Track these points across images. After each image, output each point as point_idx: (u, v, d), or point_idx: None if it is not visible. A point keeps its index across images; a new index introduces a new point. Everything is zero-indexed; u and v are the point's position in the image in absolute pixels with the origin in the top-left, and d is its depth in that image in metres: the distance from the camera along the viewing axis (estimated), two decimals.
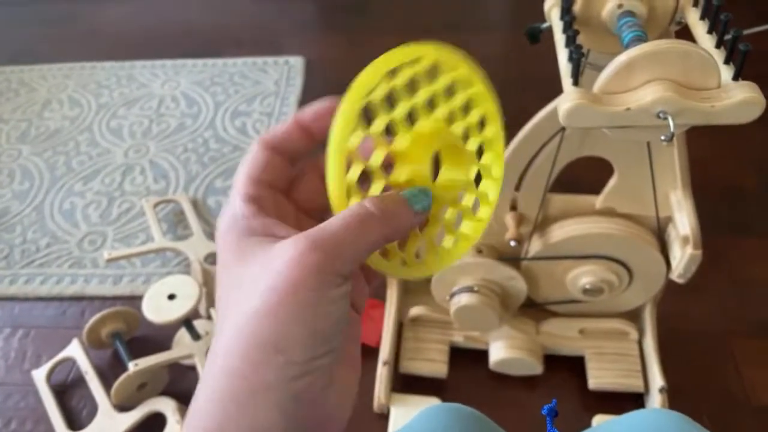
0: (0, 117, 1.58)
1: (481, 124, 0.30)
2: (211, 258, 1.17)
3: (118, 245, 1.24)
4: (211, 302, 1.05)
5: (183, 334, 1.05)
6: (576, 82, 0.51)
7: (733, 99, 0.46)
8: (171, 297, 0.96)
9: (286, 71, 1.64)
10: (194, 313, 1.00)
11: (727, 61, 0.49)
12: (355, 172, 0.25)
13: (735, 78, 0.48)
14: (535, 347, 0.97)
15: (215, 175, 1.37)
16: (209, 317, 1.06)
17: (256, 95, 1.57)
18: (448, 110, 0.28)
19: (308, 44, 1.78)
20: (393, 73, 0.27)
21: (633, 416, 0.51)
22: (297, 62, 1.67)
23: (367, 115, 0.26)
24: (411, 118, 0.28)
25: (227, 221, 0.25)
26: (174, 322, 0.94)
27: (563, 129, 0.76)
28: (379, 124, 0.26)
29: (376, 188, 0.26)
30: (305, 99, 1.57)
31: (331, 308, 0.22)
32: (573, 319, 0.97)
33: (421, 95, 0.27)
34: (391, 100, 0.27)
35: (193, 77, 1.65)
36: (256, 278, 0.22)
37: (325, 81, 1.64)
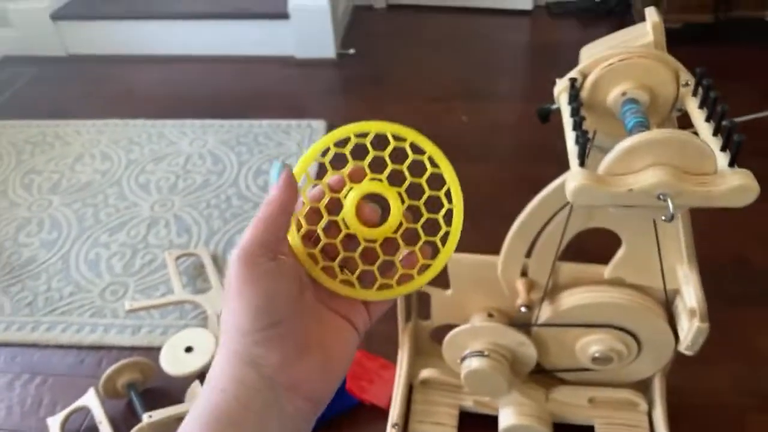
0: (34, 168, 1.66)
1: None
2: None
3: (139, 296, 1.28)
4: None
5: (196, 386, 1.07)
6: (582, 164, 0.55)
7: (728, 185, 0.50)
8: (188, 350, 0.98)
9: (309, 133, 1.72)
10: (209, 367, 1.02)
11: (723, 149, 0.53)
12: (304, 209, 0.34)
13: (731, 165, 0.52)
14: (544, 415, 0.97)
15: (236, 230, 1.42)
16: None
17: (278, 155, 1.64)
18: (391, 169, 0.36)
19: (330, 109, 1.86)
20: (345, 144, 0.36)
21: None
22: (319, 125, 1.74)
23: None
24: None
25: None
26: (190, 374, 0.96)
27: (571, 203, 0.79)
28: (327, 176, 0.36)
29: (321, 222, 0.34)
30: (320, 177, 1.63)
31: (261, 285, 0.29)
32: (582, 387, 0.98)
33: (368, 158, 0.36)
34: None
35: (220, 136, 1.73)
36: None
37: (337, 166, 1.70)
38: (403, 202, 0.35)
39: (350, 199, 0.34)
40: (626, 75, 0.61)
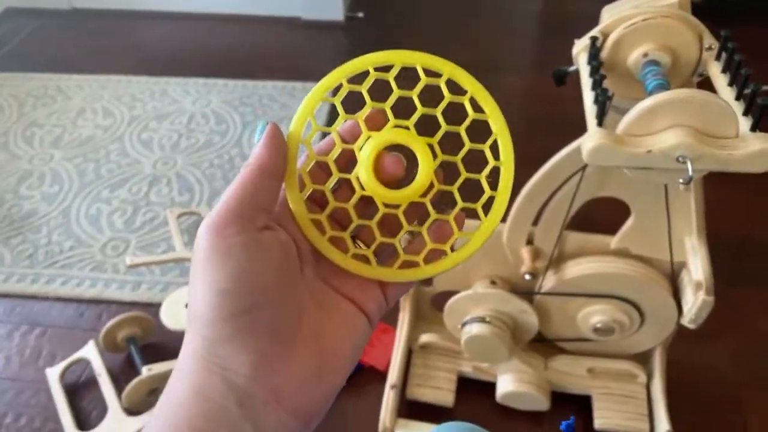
0: (35, 121, 1.64)
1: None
2: None
3: (140, 253, 1.27)
4: None
5: None
6: (600, 123, 0.53)
7: (749, 149, 0.49)
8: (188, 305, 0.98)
9: None
10: None
11: (745, 113, 0.52)
12: (308, 163, 0.28)
13: (753, 129, 0.50)
14: (542, 383, 0.97)
15: None
16: None
17: (283, 117, 1.62)
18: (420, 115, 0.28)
19: None
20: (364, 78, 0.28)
21: None
22: None
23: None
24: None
25: None
26: None
27: (584, 168, 0.78)
28: (337, 122, 0.28)
29: (330, 181, 0.28)
30: (330, 124, 1.61)
31: (228, 262, 0.22)
32: (582, 357, 0.98)
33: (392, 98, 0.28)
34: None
35: (224, 96, 1.71)
36: None
37: (351, 109, 1.68)
38: (435, 156, 0.27)
39: (367, 151, 0.27)
40: (648, 35, 0.59)
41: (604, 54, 0.62)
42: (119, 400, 0.98)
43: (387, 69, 0.28)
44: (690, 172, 0.49)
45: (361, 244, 0.28)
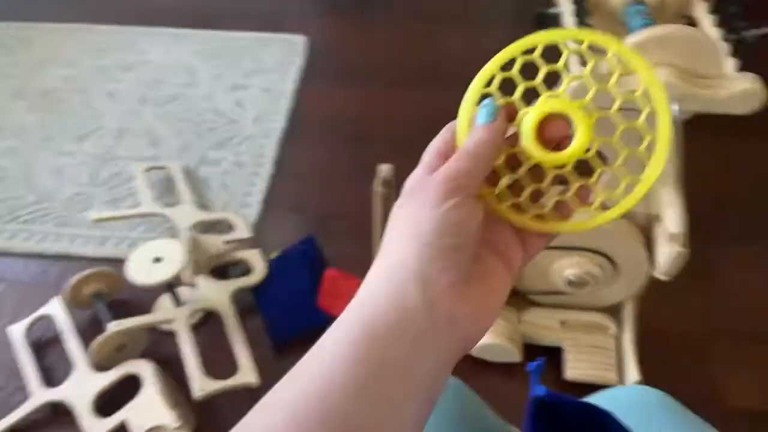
0: None
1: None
2: (199, 226, 1.17)
3: (106, 208, 1.23)
4: (197, 270, 1.04)
5: (165, 299, 1.05)
6: (584, 64, 0.51)
7: (735, 88, 0.47)
8: (157, 260, 0.95)
9: (288, 49, 1.63)
10: (178, 280, 0.99)
11: (732, 54, 0.50)
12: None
13: (741, 68, 0.49)
14: (515, 335, 0.98)
15: (209, 145, 1.36)
16: (193, 285, 1.05)
17: (256, 70, 1.56)
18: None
19: (312, 25, 1.77)
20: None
21: (615, 391, 0.52)
22: (299, 41, 1.66)
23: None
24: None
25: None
26: (158, 284, 0.93)
27: None
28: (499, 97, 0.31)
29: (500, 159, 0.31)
30: (305, 77, 1.56)
31: (459, 209, 0.28)
32: (554, 310, 0.98)
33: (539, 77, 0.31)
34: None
35: (194, 48, 1.64)
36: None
37: (327, 62, 1.63)
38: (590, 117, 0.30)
39: (528, 124, 0.30)
40: None
41: None
42: (86, 357, 0.96)
43: (531, 51, 0.31)
44: (676, 113, 0.48)
45: (535, 206, 0.31)
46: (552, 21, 0.64)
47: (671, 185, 0.80)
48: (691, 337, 1.06)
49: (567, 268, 0.90)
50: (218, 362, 0.99)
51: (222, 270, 1.11)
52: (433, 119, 1.64)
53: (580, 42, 0.30)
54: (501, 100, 0.31)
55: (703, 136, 0.52)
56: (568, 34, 0.30)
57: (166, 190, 1.27)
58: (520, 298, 0.99)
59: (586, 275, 0.90)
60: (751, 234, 1.22)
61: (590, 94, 0.30)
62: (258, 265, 1.08)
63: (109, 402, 0.92)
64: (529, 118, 0.30)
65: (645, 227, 0.86)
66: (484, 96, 0.31)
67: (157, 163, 1.30)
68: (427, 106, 1.49)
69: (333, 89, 1.54)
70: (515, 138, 0.31)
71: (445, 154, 0.30)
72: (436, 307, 0.27)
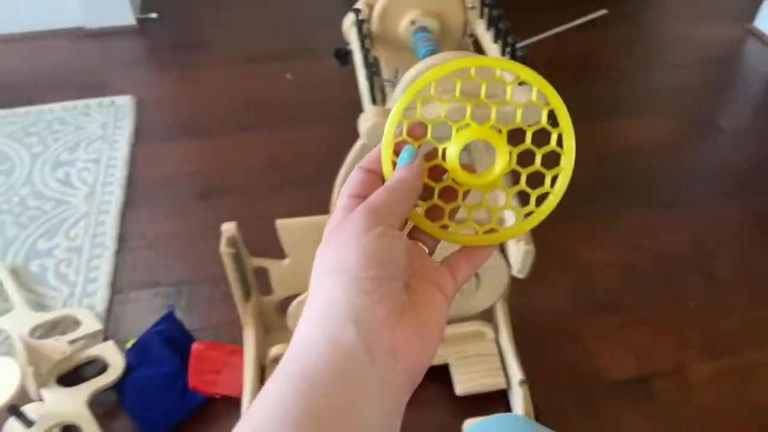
0: None
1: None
2: (38, 331, 1.03)
3: None
4: (40, 383, 0.92)
5: (13, 424, 0.91)
6: (374, 101, 0.50)
7: (519, 102, 0.48)
8: None
9: (113, 112, 1.52)
10: (21, 398, 0.87)
11: None
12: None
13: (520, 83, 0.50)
14: None
15: (37, 235, 1.22)
16: (41, 399, 0.93)
17: (79, 142, 1.44)
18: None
19: (136, 83, 1.67)
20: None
21: (477, 427, 0.51)
22: (124, 101, 1.55)
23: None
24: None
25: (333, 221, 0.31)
26: None
27: None
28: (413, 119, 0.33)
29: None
30: (139, 140, 1.46)
31: (383, 240, 0.28)
32: None
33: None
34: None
35: (3, 129, 1.47)
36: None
37: (160, 119, 1.54)
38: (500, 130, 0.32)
39: (451, 156, 0.32)
40: (411, 2, 0.57)
41: (373, 26, 0.59)
42: None
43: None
44: None
45: (449, 222, 0.33)
46: (347, 55, 0.63)
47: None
48: (560, 319, 1.11)
49: None
50: None
51: (77, 373, 0.99)
52: (278, 160, 1.61)
53: (468, 68, 0.33)
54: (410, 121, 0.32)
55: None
56: (455, 64, 0.32)
57: None
58: None
59: None
60: (588, 212, 1.30)
61: (492, 113, 0.32)
62: (114, 359, 0.98)
63: None
64: (451, 152, 0.32)
65: None
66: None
67: None
68: (266, 147, 1.46)
69: (167, 147, 1.46)
70: (438, 170, 0.33)
71: (361, 195, 0.31)
72: (374, 342, 0.27)
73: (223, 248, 0.87)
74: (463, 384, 0.96)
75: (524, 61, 0.49)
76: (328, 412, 0.24)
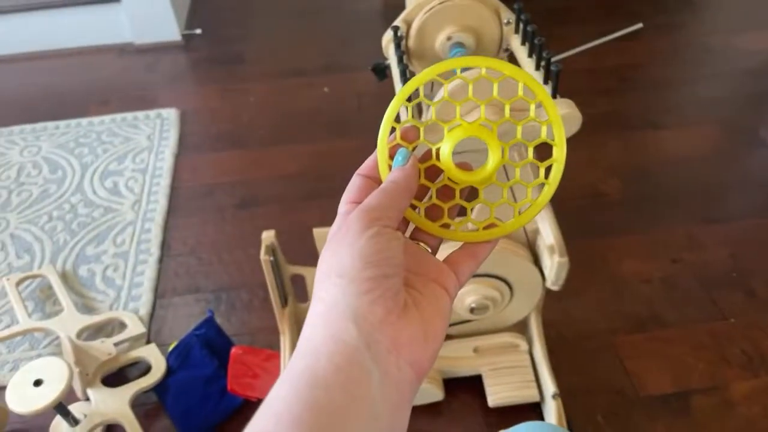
0: None
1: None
2: (85, 332, 1.08)
3: None
4: (86, 382, 0.96)
5: (60, 420, 0.96)
6: (412, 114, 0.52)
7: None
8: (37, 383, 0.87)
9: (159, 125, 1.58)
10: (68, 397, 0.91)
11: (545, 81, 0.53)
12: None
13: (553, 95, 0.51)
14: (434, 373, 0.97)
15: (86, 242, 1.28)
16: (87, 399, 0.97)
17: (127, 152, 1.50)
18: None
19: (181, 96, 1.73)
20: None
21: None
22: (170, 114, 1.61)
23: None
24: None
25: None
26: (42, 411, 0.85)
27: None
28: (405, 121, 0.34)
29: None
30: (182, 150, 1.52)
31: (377, 241, 0.28)
32: (465, 339, 0.99)
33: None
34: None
35: (56, 140, 1.55)
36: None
37: (202, 131, 1.60)
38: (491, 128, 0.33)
39: (445, 155, 0.33)
40: (448, 18, 0.59)
41: (411, 43, 0.61)
42: None
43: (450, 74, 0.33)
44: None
45: (449, 219, 0.33)
46: (385, 70, 0.65)
47: None
48: (596, 334, 1.09)
49: (466, 296, 0.91)
50: None
51: (121, 374, 1.03)
52: (314, 171, 1.65)
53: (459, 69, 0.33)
54: (407, 124, 0.33)
55: (571, 141, 0.53)
56: (441, 67, 0.32)
57: (45, 300, 1.17)
58: None
59: (485, 300, 0.91)
60: (626, 224, 1.29)
61: (482, 111, 0.33)
62: (156, 361, 1.01)
63: None
64: (444, 150, 0.33)
65: (528, 244, 0.89)
66: (396, 128, 0.33)
67: (30, 272, 1.20)
68: (303, 159, 1.49)
69: (209, 157, 1.51)
70: (435, 170, 0.34)
71: (359, 201, 0.31)
72: (376, 338, 0.27)
73: (263, 255, 0.89)
74: (496, 395, 0.96)
75: (558, 75, 0.50)
76: (329, 406, 0.25)
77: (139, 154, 1.49)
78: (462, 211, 0.34)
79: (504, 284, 0.91)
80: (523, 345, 0.99)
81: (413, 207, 0.33)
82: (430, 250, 0.34)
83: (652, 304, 1.14)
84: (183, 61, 1.94)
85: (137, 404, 0.97)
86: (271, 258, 0.91)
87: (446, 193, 0.33)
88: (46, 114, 1.65)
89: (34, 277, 1.19)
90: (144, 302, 1.15)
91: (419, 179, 0.32)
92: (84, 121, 1.60)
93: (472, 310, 0.92)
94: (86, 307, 1.15)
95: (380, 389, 0.27)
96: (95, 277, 1.21)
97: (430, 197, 0.33)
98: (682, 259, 1.21)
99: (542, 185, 0.33)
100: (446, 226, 0.33)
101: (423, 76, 0.32)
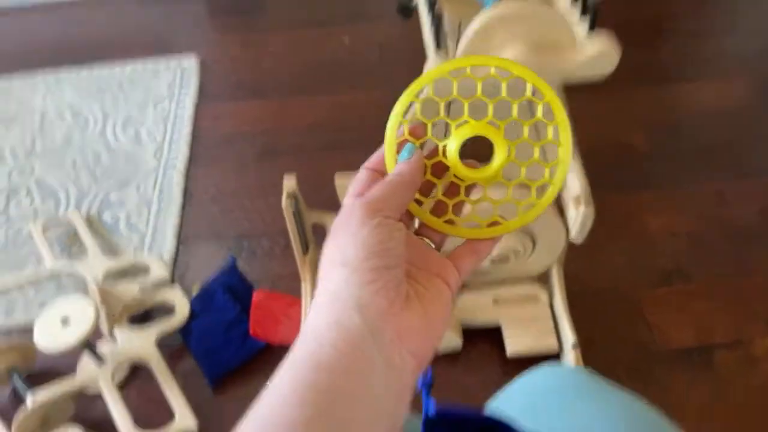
0: None
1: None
2: (111, 275, 1.10)
3: (7, 274, 1.14)
4: (112, 322, 0.99)
5: (87, 360, 0.99)
6: (439, 46, 0.50)
7: (587, 53, 0.47)
8: (64, 322, 0.89)
9: (179, 73, 1.57)
10: (95, 336, 0.93)
11: (582, 13, 0.50)
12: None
13: (591, 29, 0.49)
14: (453, 322, 0.97)
15: (110, 188, 1.29)
16: (114, 338, 0.99)
17: (147, 101, 1.49)
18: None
19: (201, 44, 1.70)
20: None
21: (528, 376, 0.51)
22: (190, 63, 1.59)
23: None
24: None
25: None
26: (71, 348, 0.87)
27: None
28: (413, 116, 0.34)
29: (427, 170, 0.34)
30: (202, 99, 1.51)
31: (379, 231, 0.29)
32: (486, 289, 0.99)
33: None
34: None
35: (78, 87, 1.55)
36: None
37: (222, 81, 1.58)
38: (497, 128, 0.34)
39: (452, 152, 0.33)
40: None
41: None
42: None
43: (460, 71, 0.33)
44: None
45: (454, 216, 0.34)
46: (411, 11, 0.62)
47: None
48: (618, 287, 1.08)
49: None
50: (155, 413, 0.94)
51: (146, 316, 1.05)
52: (335, 122, 1.63)
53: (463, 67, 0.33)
54: (413, 120, 0.34)
55: (596, 88, 0.52)
56: (451, 65, 0.33)
57: (71, 244, 1.19)
58: None
59: (507, 251, 0.90)
60: (654, 178, 1.26)
61: (490, 109, 0.33)
62: (180, 304, 1.03)
63: None
64: (451, 147, 0.33)
65: None
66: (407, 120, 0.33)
67: (56, 216, 1.22)
68: (323, 109, 1.47)
69: (231, 107, 1.49)
70: (441, 167, 0.34)
71: (368, 187, 0.32)
72: (379, 327, 0.28)
73: (285, 201, 0.89)
74: (514, 345, 0.96)
75: (596, 12, 0.47)
76: (333, 388, 0.25)
77: (159, 103, 1.49)
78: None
79: (526, 236, 0.90)
80: (544, 297, 0.99)
81: (419, 203, 0.33)
82: (434, 246, 0.34)
83: (677, 259, 1.12)
84: (203, 10, 1.90)
85: (162, 345, 0.99)
86: (293, 204, 0.91)
87: (451, 189, 0.34)
88: (68, 59, 1.64)
89: (60, 222, 1.21)
90: (167, 248, 1.16)
91: (425, 174, 0.33)
92: (105, 68, 1.59)
93: (492, 261, 0.91)
94: (111, 251, 1.17)
95: (383, 377, 0.27)
96: (119, 223, 1.22)
97: (436, 194, 0.34)
98: (710, 215, 1.19)
99: (546, 185, 0.34)
100: (450, 222, 0.34)
101: (433, 73, 0.33)
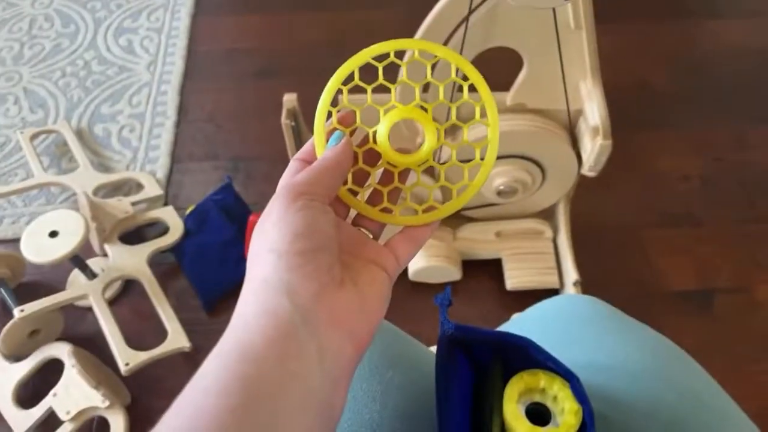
0: None
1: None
2: (102, 190, 1.06)
3: None
4: (103, 238, 0.96)
5: (77, 274, 0.96)
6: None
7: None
8: (53, 234, 0.86)
9: None
10: (85, 252, 0.90)
11: None
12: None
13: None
14: (453, 254, 0.95)
15: (101, 100, 1.23)
16: (105, 254, 0.97)
17: (141, 9, 1.41)
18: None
19: None
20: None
21: (546, 303, 0.49)
22: None
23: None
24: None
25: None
26: (58, 261, 0.84)
27: (467, 18, 0.70)
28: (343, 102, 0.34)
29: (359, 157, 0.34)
30: (199, 11, 1.42)
31: (303, 214, 0.28)
32: (489, 222, 0.96)
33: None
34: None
35: None
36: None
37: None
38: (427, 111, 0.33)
39: (381, 136, 0.33)
40: None
41: None
42: None
43: (384, 57, 0.33)
44: None
45: (388, 203, 0.34)
46: None
47: (589, 78, 0.76)
48: (624, 227, 1.06)
49: (495, 177, 0.86)
50: (146, 331, 0.92)
51: (138, 234, 1.03)
52: (341, 41, 1.54)
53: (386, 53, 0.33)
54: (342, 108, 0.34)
55: (618, 21, 0.47)
56: (374, 50, 0.33)
57: (60, 156, 1.15)
58: (453, 216, 0.95)
59: (515, 183, 0.86)
60: (672, 118, 1.21)
61: (417, 93, 0.33)
62: (174, 222, 1.00)
63: (33, 392, 0.86)
64: (381, 132, 0.33)
65: (567, 125, 0.82)
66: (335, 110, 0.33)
67: (45, 127, 1.16)
68: (329, 27, 1.39)
69: (227, 20, 1.41)
70: (375, 156, 0.34)
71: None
72: (311, 312, 0.27)
73: (284, 119, 0.84)
74: (515, 279, 0.94)
75: None
76: (260, 378, 0.24)
77: (154, 12, 1.40)
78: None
79: (536, 167, 0.86)
80: (548, 232, 0.96)
81: (354, 193, 0.33)
82: (371, 236, 0.33)
83: (687, 201, 1.09)
84: None
85: (155, 263, 0.97)
86: (293, 123, 0.86)
87: (385, 177, 0.34)
88: None
89: (49, 132, 1.16)
90: (161, 165, 1.12)
91: (357, 162, 0.33)
92: None
93: (499, 193, 0.88)
94: (102, 166, 1.13)
95: (318, 364, 0.26)
96: (111, 137, 1.17)
97: (370, 183, 0.34)
98: (726, 158, 1.15)
99: (478, 166, 0.33)
100: (387, 210, 0.34)
101: (356, 59, 0.33)
